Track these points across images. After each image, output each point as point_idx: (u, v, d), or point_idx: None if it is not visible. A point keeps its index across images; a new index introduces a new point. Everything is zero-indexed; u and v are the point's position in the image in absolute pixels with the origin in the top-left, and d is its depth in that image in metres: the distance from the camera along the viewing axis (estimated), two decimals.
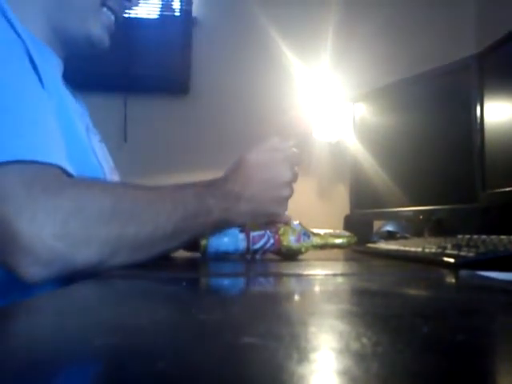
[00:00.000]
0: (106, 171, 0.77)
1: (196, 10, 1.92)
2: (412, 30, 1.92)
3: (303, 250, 0.76)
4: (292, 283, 0.53)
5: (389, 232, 1.33)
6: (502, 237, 0.73)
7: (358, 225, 1.39)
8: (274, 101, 1.88)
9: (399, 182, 1.25)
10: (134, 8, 1.83)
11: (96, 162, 0.72)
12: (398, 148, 1.27)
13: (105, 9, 0.75)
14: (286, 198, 0.73)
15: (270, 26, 1.87)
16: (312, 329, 0.27)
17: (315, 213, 1.79)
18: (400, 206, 1.23)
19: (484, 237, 0.77)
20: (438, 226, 1.16)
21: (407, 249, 0.81)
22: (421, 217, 1.19)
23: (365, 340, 0.23)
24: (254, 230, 0.73)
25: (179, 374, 0.19)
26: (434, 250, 0.72)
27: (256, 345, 0.22)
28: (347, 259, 0.87)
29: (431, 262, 0.69)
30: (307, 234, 0.76)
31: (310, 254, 0.77)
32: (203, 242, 0.72)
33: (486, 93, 1.02)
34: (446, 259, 0.65)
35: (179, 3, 1.94)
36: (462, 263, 0.62)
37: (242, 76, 1.91)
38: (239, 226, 0.72)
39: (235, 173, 0.70)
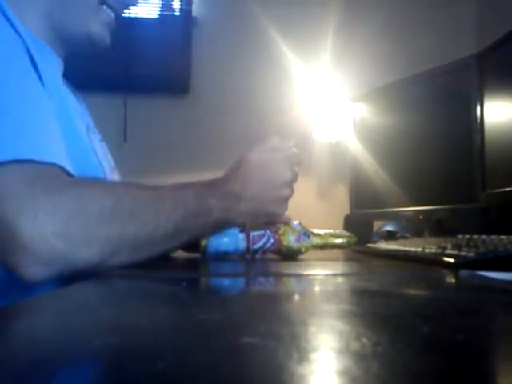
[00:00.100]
0: (107, 171, 0.77)
1: (196, 9, 1.92)
2: (412, 29, 1.92)
3: (303, 249, 0.76)
4: (292, 283, 0.53)
5: (389, 232, 1.33)
6: (502, 237, 0.73)
7: (358, 225, 1.39)
8: (273, 101, 1.88)
9: (399, 182, 1.25)
10: (133, 6, 1.82)
11: (96, 162, 0.72)
12: (398, 148, 1.27)
13: (104, 7, 0.75)
14: (286, 198, 0.73)
15: (270, 25, 1.87)
16: (312, 329, 0.27)
17: (315, 213, 1.79)
18: (400, 206, 1.23)
19: (484, 237, 0.77)
20: (438, 226, 1.16)
21: (407, 249, 0.81)
22: (421, 217, 1.19)
23: (365, 340, 0.23)
24: (254, 229, 0.73)
25: (179, 374, 0.19)
26: (434, 250, 0.72)
27: (256, 345, 0.22)
28: (347, 259, 0.87)
29: (431, 262, 0.69)
30: (307, 234, 0.76)
31: (310, 253, 0.77)
32: (203, 242, 0.72)
33: (486, 93, 1.02)
34: (445, 259, 0.65)
35: (179, 3, 1.94)
36: (462, 263, 0.62)
37: (242, 76, 1.91)
38: (239, 226, 0.72)
39: (235, 173, 0.70)
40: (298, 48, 1.89)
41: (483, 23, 1.87)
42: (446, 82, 1.15)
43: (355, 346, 0.22)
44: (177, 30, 1.90)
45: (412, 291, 0.47)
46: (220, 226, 0.70)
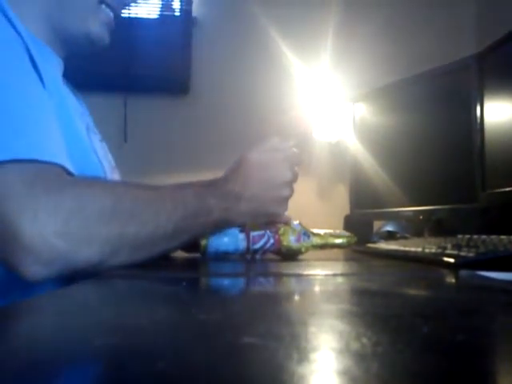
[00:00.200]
0: (107, 170, 0.77)
1: (196, 9, 1.92)
2: (412, 30, 1.92)
3: (303, 249, 0.76)
4: (292, 283, 0.53)
5: (389, 232, 1.33)
6: (502, 237, 0.73)
7: (358, 225, 1.39)
8: (274, 101, 1.88)
9: (399, 182, 1.25)
10: (132, 5, 1.83)
11: (96, 161, 0.72)
12: (398, 148, 1.27)
13: (103, 6, 0.75)
14: (286, 198, 0.73)
15: (270, 26, 1.87)
16: (312, 329, 0.27)
17: (315, 213, 1.79)
18: (400, 206, 1.23)
19: (484, 237, 0.77)
20: (438, 226, 1.16)
21: (407, 249, 0.81)
22: (421, 217, 1.19)
23: (365, 340, 0.23)
24: (254, 229, 0.73)
25: (179, 374, 0.19)
26: (434, 250, 0.72)
27: (256, 345, 0.22)
28: (347, 259, 0.87)
29: (431, 262, 0.69)
30: (307, 233, 0.76)
31: (310, 253, 0.77)
32: (203, 242, 0.72)
33: (486, 93, 1.02)
34: (446, 259, 0.65)
35: (179, 3, 1.94)
36: (462, 263, 0.62)
37: (242, 76, 1.91)
38: (239, 226, 0.72)
39: (235, 173, 0.70)
40: (298, 48, 1.89)
41: (483, 23, 1.87)
42: (446, 83, 1.15)
43: (355, 345, 0.22)
44: (177, 30, 1.90)
45: (412, 291, 0.47)
46: (220, 226, 0.70)
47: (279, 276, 0.59)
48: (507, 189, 0.93)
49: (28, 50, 0.61)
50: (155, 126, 1.89)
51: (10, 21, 0.60)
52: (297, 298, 0.43)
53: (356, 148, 1.40)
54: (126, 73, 1.84)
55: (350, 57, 1.88)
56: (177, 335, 0.25)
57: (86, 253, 0.53)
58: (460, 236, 0.84)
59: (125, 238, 0.55)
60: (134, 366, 0.20)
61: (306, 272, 0.62)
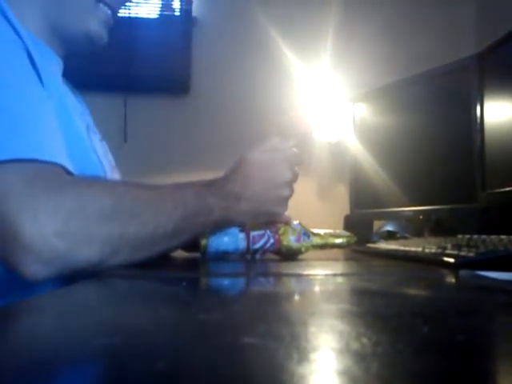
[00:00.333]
0: (107, 170, 0.77)
1: (196, 9, 1.92)
2: (412, 30, 1.92)
3: (303, 249, 0.76)
4: (292, 283, 0.53)
5: (389, 232, 1.33)
6: (502, 237, 0.73)
7: (358, 225, 1.39)
8: (273, 101, 1.88)
9: (399, 182, 1.25)
10: (130, 3, 1.83)
11: (96, 161, 0.72)
12: (398, 148, 1.27)
13: (101, 4, 0.75)
14: (286, 198, 0.73)
15: (270, 26, 1.87)
16: (312, 329, 0.27)
17: (315, 213, 1.79)
18: (400, 206, 1.23)
19: (484, 237, 0.77)
20: (437, 226, 1.16)
21: (407, 249, 0.81)
22: (421, 217, 1.19)
23: (365, 340, 0.23)
24: (254, 229, 0.73)
25: (179, 374, 0.19)
26: (434, 250, 0.72)
27: (256, 345, 0.22)
28: (347, 259, 0.87)
29: (431, 262, 0.69)
30: (307, 233, 0.76)
31: (310, 253, 0.77)
32: (203, 242, 0.72)
33: (486, 93, 1.02)
34: (446, 259, 0.65)
35: (179, 3, 1.94)
36: (461, 263, 0.62)
37: (242, 76, 1.91)
38: (239, 226, 0.72)
39: (235, 172, 0.70)
40: (298, 48, 1.89)
41: (483, 23, 1.87)
42: (446, 83, 1.15)
43: (355, 346, 0.22)
44: (177, 30, 1.90)
45: (412, 291, 0.47)
46: (220, 226, 0.70)
47: (279, 276, 0.59)
48: (507, 189, 0.93)
49: (27, 50, 0.61)
50: (155, 126, 1.89)
51: (9, 21, 0.60)
52: (297, 298, 0.43)
53: (356, 148, 1.40)
54: (125, 73, 1.84)
55: (349, 57, 1.88)
56: (177, 335, 0.25)
57: (86, 252, 0.53)
58: (460, 236, 0.84)
59: (125, 238, 0.55)
60: (134, 365, 0.20)
61: (306, 272, 0.62)
